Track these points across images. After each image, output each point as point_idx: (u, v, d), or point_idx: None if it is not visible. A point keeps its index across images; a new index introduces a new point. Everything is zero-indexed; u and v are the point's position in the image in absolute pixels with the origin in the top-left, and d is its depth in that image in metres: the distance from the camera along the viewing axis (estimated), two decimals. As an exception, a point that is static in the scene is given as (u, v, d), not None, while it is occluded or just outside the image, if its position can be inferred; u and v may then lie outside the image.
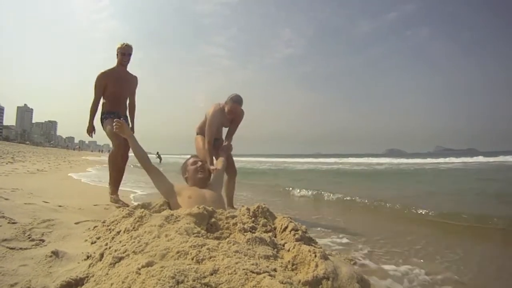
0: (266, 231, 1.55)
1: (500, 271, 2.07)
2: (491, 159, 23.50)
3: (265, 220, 1.65)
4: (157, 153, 29.76)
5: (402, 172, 12.83)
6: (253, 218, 1.64)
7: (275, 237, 1.54)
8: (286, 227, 1.56)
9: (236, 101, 3.30)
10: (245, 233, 1.44)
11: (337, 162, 26.72)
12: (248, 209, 1.71)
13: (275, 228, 1.62)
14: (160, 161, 27.57)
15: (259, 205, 1.74)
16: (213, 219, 1.59)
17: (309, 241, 1.57)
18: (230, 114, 3.35)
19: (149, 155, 2.42)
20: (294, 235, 1.51)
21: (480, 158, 25.96)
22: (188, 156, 2.63)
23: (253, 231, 1.51)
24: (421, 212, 3.67)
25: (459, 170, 13.86)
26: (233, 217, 1.64)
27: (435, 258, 2.20)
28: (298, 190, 5.58)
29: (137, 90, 3.88)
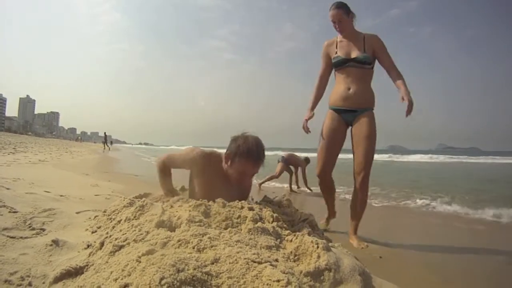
0: (286, 221, 1.51)
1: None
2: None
3: (289, 209, 1.64)
4: (105, 133, 26.27)
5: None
6: (276, 207, 1.62)
7: (292, 226, 1.51)
8: (306, 219, 1.54)
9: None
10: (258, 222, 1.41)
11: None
12: (270, 199, 1.71)
13: (293, 220, 1.60)
14: (106, 144, 24.53)
15: (284, 195, 1.74)
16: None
17: (321, 235, 1.56)
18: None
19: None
20: (308, 224, 1.49)
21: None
22: (246, 149, 1.72)
23: (277, 221, 1.48)
24: None
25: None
26: (251, 209, 1.49)
27: None
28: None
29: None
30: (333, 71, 2.58)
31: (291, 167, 6.23)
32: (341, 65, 2.45)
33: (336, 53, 2.47)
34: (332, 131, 2.48)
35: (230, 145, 1.79)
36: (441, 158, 27.17)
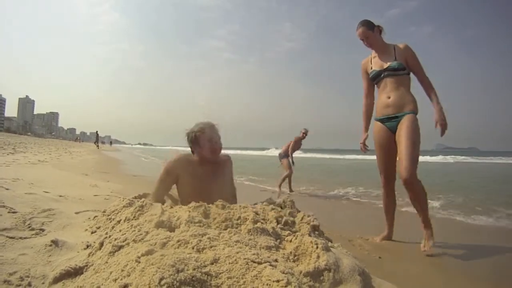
0: (288, 222, 1.50)
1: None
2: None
3: (291, 210, 1.64)
4: (96, 133, 27.73)
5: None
6: (279, 208, 1.62)
7: (293, 227, 1.49)
8: (307, 220, 1.54)
9: None
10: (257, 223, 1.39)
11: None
12: (273, 201, 1.72)
13: (294, 221, 1.59)
14: (96, 142, 26.06)
15: (287, 196, 1.75)
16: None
17: (321, 235, 1.55)
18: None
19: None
20: (309, 224, 1.48)
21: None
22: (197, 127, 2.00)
23: (279, 220, 1.47)
24: None
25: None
26: (254, 211, 1.48)
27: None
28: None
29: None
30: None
31: (290, 159, 6.41)
32: (377, 77, 2.58)
33: (371, 68, 2.62)
34: (381, 143, 2.59)
35: (189, 142, 2.01)
36: (440, 158, 27.35)
